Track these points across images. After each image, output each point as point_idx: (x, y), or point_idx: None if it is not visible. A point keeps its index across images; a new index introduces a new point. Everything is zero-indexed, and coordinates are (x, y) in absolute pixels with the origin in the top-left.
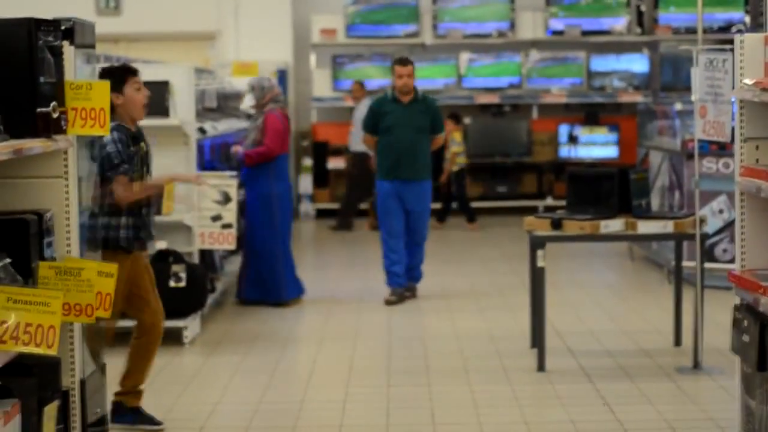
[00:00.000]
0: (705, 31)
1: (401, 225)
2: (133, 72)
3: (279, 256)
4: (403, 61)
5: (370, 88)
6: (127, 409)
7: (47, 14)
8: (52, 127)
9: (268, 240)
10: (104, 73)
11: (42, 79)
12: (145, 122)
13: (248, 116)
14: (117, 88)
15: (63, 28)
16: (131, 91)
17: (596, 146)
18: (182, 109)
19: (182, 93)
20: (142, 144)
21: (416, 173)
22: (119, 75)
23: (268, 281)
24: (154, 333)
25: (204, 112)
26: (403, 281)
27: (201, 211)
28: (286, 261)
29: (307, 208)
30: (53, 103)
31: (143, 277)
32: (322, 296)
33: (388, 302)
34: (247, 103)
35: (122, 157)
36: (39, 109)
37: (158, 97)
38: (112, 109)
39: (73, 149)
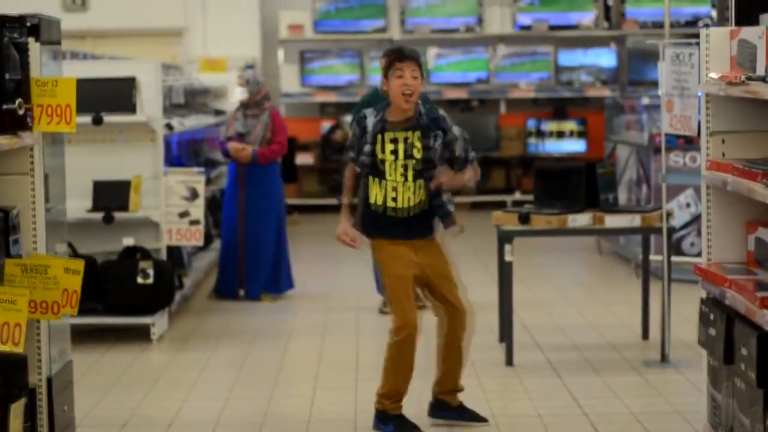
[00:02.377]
0: (672, 26)
1: None
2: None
3: (283, 250)
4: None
5: (338, 84)
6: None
7: (12, 10)
8: (17, 124)
9: (273, 235)
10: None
11: (7, 76)
12: (111, 118)
13: (217, 112)
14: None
15: (28, 24)
16: (393, 78)
17: (564, 141)
18: (149, 105)
19: (149, 89)
20: (402, 134)
21: None
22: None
23: (270, 275)
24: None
25: (171, 108)
26: None
27: (168, 207)
28: (286, 255)
29: None
30: (19, 100)
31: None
32: (290, 292)
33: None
34: (238, 96)
35: (350, 146)
36: (4, 106)
37: (125, 94)
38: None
39: (39, 146)
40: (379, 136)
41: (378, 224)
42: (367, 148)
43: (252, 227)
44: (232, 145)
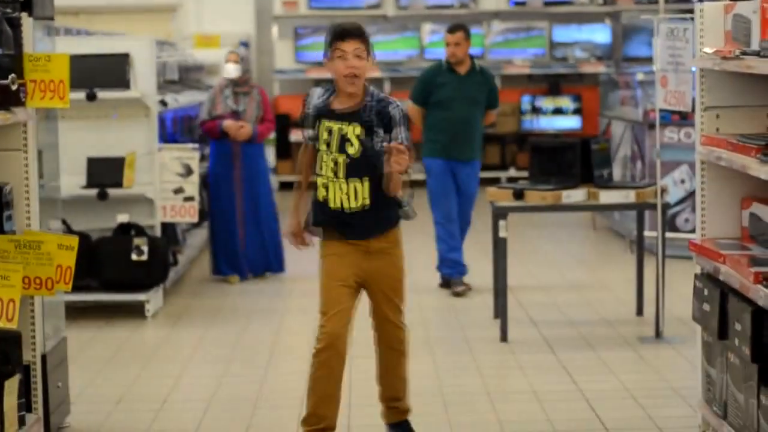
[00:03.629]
0: (666, 1)
1: (456, 208)
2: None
3: (278, 227)
4: (452, 29)
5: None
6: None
7: None
8: (11, 100)
9: (271, 211)
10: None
11: (0, 51)
12: (105, 95)
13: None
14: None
15: None
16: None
17: (559, 117)
18: (143, 81)
19: (143, 65)
20: (340, 125)
21: (472, 152)
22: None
23: (272, 252)
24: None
25: (165, 85)
26: (463, 269)
27: (163, 183)
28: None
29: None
30: (12, 76)
31: None
32: (285, 269)
33: (458, 294)
34: (233, 73)
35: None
36: None
37: (119, 70)
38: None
39: (33, 122)
40: (318, 123)
41: (324, 217)
42: (310, 132)
43: (250, 206)
44: (230, 123)
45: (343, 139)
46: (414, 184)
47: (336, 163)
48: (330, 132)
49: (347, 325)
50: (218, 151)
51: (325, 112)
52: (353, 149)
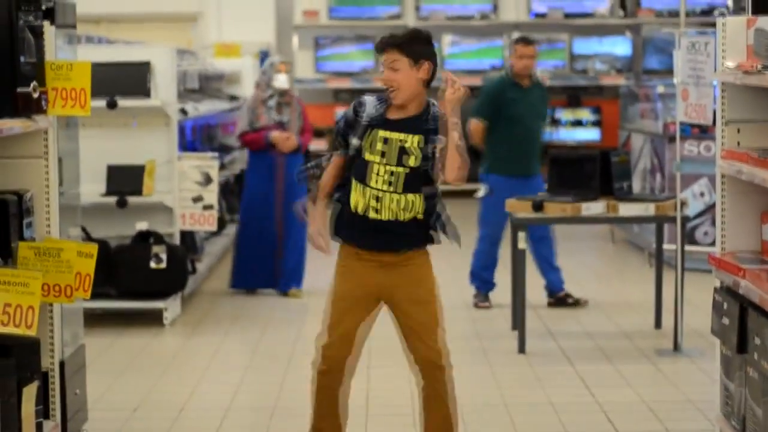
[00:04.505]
0: (688, 15)
1: (502, 231)
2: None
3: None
4: (527, 41)
5: (352, 70)
6: None
7: None
8: (32, 108)
9: (302, 227)
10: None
11: (22, 59)
12: (125, 103)
13: (231, 98)
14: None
15: (44, 8)
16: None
17: (579, 129)
18: (163, 90)
19: (164, 74)
20: (399, 135)
21: (537, 167)
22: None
23: (300, 268)
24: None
25: (186, 93)
26: (492, 287)
27: (182, 192)
28: None
29: None
30: (33, 83)
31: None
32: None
33: (479, 307)
34: (285, 84)
35: (335, 136)
36: (19, 89)
37: (139, 78)
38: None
39: (53, 129)
40: (370, 132)
41: (352, 227)
42: (354, 142)
43: (291, 219)
44: (278, 135)
45: (402, 151)
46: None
47: (392, 174)
48: (386, 142)
49: (351, 348)
50: (259, 163)
51: (380, 122)
52: (414, 161)
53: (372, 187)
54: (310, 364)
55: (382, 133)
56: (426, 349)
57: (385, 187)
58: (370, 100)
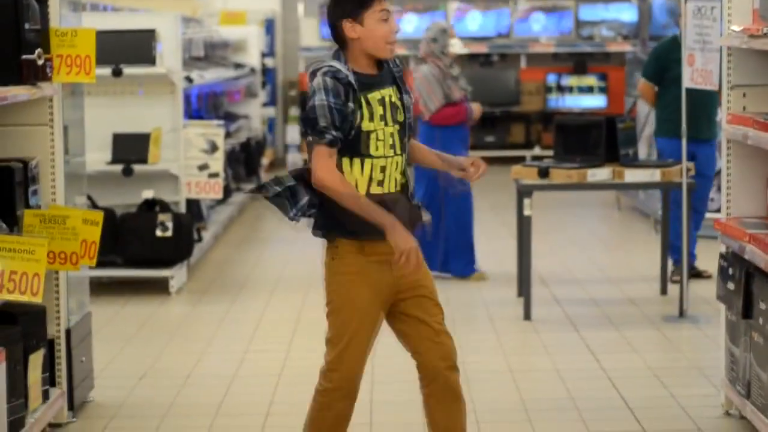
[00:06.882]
0: None
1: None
2: None
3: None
4: None
5: None
6: None
7: None
8: (37, 75)
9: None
10: None
11: (27, 26)
12: (131, 71)
13: (236, 65)
14: (354, 14)
15: None
16: (372, 21)
17: (584, 95)
18: (169, 57)
19: (169, 41)
20: (386, 91)
21: (711, 131)
22: None
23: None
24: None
25: (191, 61)
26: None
27: (188, 160)
28: None
29: (295, 158)
30: (38, 50)
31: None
32: (309, 246)
33: (676, 281)
34: (458, 49)
35: (330, 117)
36: (24, 57)
37: (145, 46)
38: (345, 47)
39: (59, 97)
40: (363, 97)
41: (350, 216)
42: (354, 116)
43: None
44: (477, 106)
45: (393, 107)
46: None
47: (393, 137)
48: (382, 102)
49: (364, 366)
50: (458, 137)
51: (366, 83)
52: (400, 115)
53: (375, 157)
54: (317, 389)
55: (375, 94)
56: (440, 347)
57: (390, 153)
58: (337, 64)
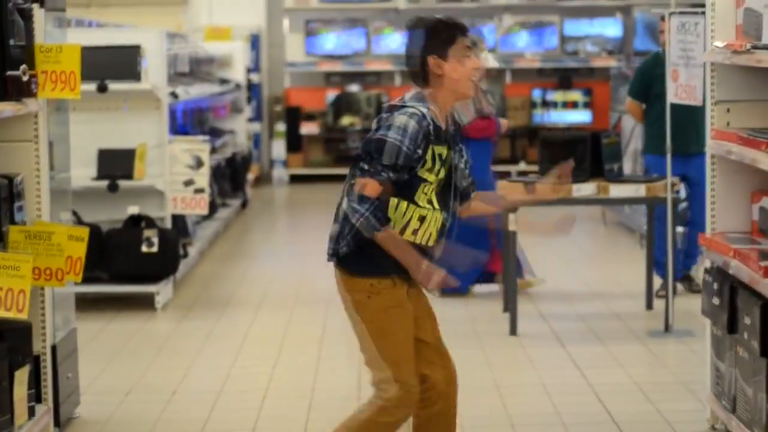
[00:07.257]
0: None
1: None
2: (463, 30)
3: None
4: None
5: (343, 53)
6: None
7: None
8: (22, 91)
9: None
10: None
11: (12, 42)
12: (116, 86)
13: (222, 81)
14: (440, 50)
15: None
16: (457, 57)
17: (569, 111)
18: (154, 73)
19: (154, 57)
20: (443, 149)
21: (701, 144)
22: (447, 33)
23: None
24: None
25: (176, 77)
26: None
27: (173, 175)
28: None
29: (280, 173)
30: (23, 66)
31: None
32: (295, 262)
33: (662, 296)
34: (492, 64)
35: (396, 159)
36: (9, 73)
37: (130, 62)
38: (424, 83)
39: (44, 113)
40: (431, 148)
41: (385, 260)
42: (418, 155)
43: None
44: (505, 121)
45: (451, 166)
46: None
47: (432, 190)
48: (442, 159)
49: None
50: (486, 150)
51: (438, 134)
52: (443, 173)
53: (420, 206)
54: (376, 404)
55: (437, 148)
56: (444, 365)
57: (429, 207)
58: (422, 108)
